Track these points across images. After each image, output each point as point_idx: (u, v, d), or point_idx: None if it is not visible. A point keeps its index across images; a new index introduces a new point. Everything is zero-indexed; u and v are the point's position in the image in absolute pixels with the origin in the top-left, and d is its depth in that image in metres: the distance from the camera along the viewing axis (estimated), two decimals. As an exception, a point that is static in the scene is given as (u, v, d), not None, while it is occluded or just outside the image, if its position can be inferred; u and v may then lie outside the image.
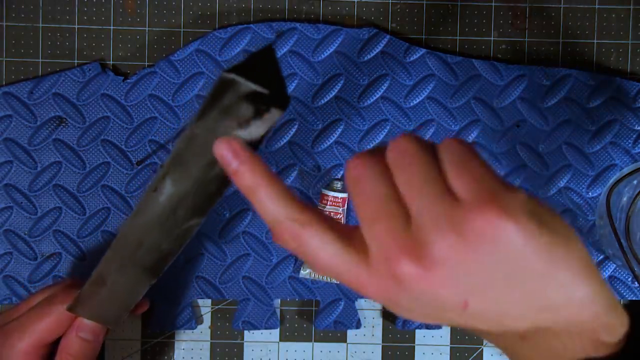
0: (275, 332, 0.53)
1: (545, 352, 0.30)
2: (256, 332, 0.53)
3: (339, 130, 0.52)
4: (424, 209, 0.27)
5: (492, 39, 0.53)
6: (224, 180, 0.35)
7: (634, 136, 0.52)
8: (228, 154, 0.31)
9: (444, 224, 0.27)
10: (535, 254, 0.27)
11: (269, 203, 0.30)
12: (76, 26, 0.53)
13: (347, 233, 0.29)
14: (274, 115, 0.32)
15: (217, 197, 0.36)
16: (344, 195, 0.51)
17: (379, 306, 0.53)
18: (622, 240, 0.45)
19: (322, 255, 0.29)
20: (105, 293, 0.43)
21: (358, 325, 0.52)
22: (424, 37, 0.53)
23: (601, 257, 0.52)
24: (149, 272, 0.42)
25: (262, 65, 0.32)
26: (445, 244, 0.27)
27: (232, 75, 0.31)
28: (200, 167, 0.35)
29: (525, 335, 0.30)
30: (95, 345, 0.45)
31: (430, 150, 0.29)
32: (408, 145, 0.29)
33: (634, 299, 0.52)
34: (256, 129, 0.33)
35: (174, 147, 0.34)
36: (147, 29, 0.53)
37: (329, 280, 0.52)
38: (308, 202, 0.30)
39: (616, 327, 0.29)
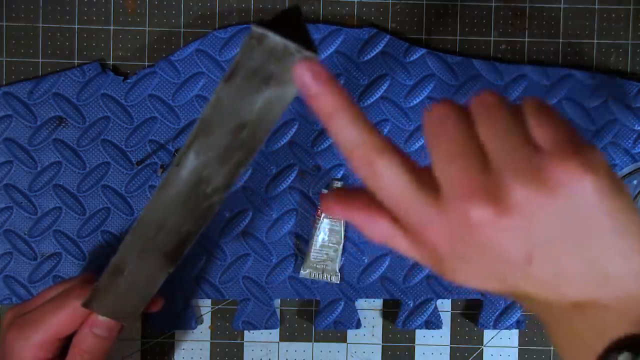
0: (275, 332, 0.53)
1: (597, 324, 0.29)
2: (256, 332, 0.53)
3: (339, 130, 0.52)
4: (505, 154, 0.27)
5: (492, 39, 0.53)
6: (249, 148, 0.35)
7: (634, 136, 0.52)
8: (308, 75, 0.30)
9: (525, 170, 0.26)
10: (607, 214, 0.27)
11: (348, 127, 0.29)
12: (76, 26, 0.53)
13: (424, 173, 0.29)
14: None
15: (242, 167, 0.36)
16: (344, 195, 0.51)
17: (379, 306, 0.53)
18: (622, 240, 0.45)
19: (393, 187, 0.29)
20: (122, 284, 0.42)
21: (358, 325, 0.52)
22: (424, 37, 0.53)
23: (601, 257, 0.52)
24: (169, 257, 0.41)
25: (288, 22, 0.32)
26: (524, 190, 0.26)
27: (261, 30, 0.31)
28: (226, 133, 0.35)
29: (580, 304, 0.29)
30: (108, 341, 0.45)
31: (513, 105, 0.29)
32: (492, 98, 0.29)
33: (634, 299, 0.52)
34: (285, 88, 0.32)
35: (199, 117, 0.34)
36: (147, 29, 0.53)
37: (329, 280, 0.52)
38: (385, 137, 0.30)
39: None
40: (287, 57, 0.32)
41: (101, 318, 0.44)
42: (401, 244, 0.31)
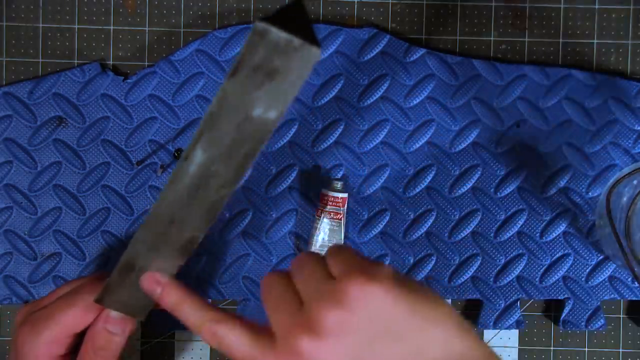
0: (275, 332, 0.53)
1: None
2: (256, 332, 0.53)
3: (339, 130, 0.52)
4: (311, 291, 0.33)
5: (492, 39, 0.53)
6: (256, 142, 0.35)
7: (634, 136, 0.52)
8: (152, 283, 0.40)
9: (326, 298, 0.32)
10: (404, 313, 0.32)
11: (191, 312, 0.38)
12: (76, 26, 0.53)
13: (259, 328, 0.36)
14: (306, 66, 0.32)
15: (249, 160, 0.36)
16: (344, 195, 0.51)
17: (379, 306, 0.53)
18: (622, 240, 0.45)
19: (238, 347, 0.35)
20: (133, 279, 0.42)
21: (358, 325, 0.52)
22: (424, 37, 0.53)
23: (601, 257, 0.52)
24: (179, 252, 0.41)
25: (292, 16, 0.33)
26: (330, 313, 0.32)
27: (264, 25, 0.31)
28: (233, 127, 0.35)
29: None
30: (121, 338, 0.45)
31: (320, 256, 0.36)
32: (303, 255, 0.36)
33: (634, 299, 0.52)
34: (289, 83, 0.33)
35: (205, 111, 0.35)
36: (147, 29, 0.53)
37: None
38: (224, 311, 0.38)
39: None
40: (291, 52, 0.32)
41: (114, 314, 0.44)
42: None
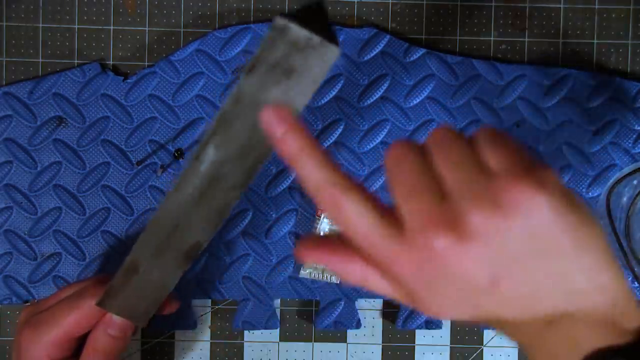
0: (275, 332, 0.53)
1: (569, 340, 0.30)
2: (256, 332, 0.53)
3: (339, 130, 0.52)
4: (461, 182, 0.28)
5: (492, 39, 0.53)
6: (269, 144, 0.34)
7: (634, 136, 0.52)
8: (274, 119, 0.31)
9: (480, 195, 0.27)
10: (564, 231, 0.27)
11: (313, 168, 0.30)
12: (76, 26, 0.53)
13: (384, 207, 0.30)
14: (324, 65, 0.32)
15: (260, 163, 0.36)
16: (344, 195, 0.51)
17: (379, 306, 0.53)
18: (622, 240, 0.45)
19: (359, 224, 0.29)
20: (136, 283, 0.42)
21: (358, 325, 0.52)
22: (424, 37, 0.53)
23: (601, 257, 0.52)
24: (183, 257, 0.41)
25: (312, 15, 0.32)
26: (481, 215, 0.27)
27: (284, 21, 0.31)
28: (247, 127, 0.34)
29: (551, 321, 0.30)
30: (122, 342, 0.44)
31: (467, 137, 0.30)
32: (446, 131, 0.30)
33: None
34: (306, 81, 0.32)
35: (218, 109, 0.34)
36: (147, 29, 0.53)
37: (329, 280, 0.52)
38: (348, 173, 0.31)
39: (634, 314, 0.30)
40: (310, 49, 0.31)
41: (115, 318, 0.44)
42: (374, 283, 0.31)
